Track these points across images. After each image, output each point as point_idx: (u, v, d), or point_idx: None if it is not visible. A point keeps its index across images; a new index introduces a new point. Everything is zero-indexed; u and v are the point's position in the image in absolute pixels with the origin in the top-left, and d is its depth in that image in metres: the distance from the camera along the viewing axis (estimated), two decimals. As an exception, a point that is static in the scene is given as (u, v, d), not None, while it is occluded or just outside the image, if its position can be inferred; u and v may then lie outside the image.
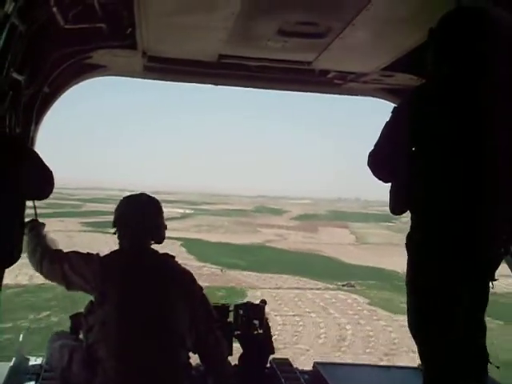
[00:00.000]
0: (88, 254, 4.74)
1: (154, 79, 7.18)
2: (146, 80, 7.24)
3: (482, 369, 4.10)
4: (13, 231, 4.36)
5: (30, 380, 5.73)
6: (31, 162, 4.44)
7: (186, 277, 4.76)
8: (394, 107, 4.15)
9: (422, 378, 4.11)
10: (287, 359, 6.69)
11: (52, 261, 4.74)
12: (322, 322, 52.49)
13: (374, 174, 4.12)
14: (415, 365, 6.28)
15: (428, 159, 3.91)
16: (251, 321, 6.29)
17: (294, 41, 5.58)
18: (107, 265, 4.59)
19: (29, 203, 4.88)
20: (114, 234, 4.82)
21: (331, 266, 78.16)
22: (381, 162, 4.10)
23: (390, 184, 4.13)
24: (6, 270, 5.07)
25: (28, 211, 4.91)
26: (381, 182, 4.16)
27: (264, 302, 6.52)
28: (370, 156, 4.11)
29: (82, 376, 4.40)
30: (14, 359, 5.98)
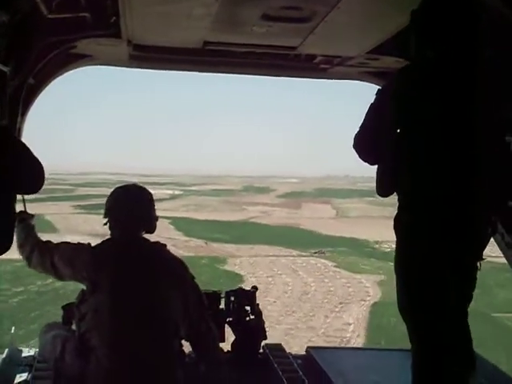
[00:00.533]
0: (78, 243, 4.73)
1: (140, 68, 7.14)
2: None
3: (469, 347, 4.14)
4: (3, 222, 4.36)
5: (23, 371, 5.72)
6: (22, 155, 4.43)
7: (178, 265, 4.75)
8: (378, 89, 4.16)
9: (412, 361, 4.14)
10: (280, 344, 6.71)
11: (42, 252, 4.73)
12: (291, 281, 61.36)
13: (359, 157, 4.13)
14: (408, 348, 6.33)
15: (413, 141, 3.92)
16: (243, 307, 6.30)
17: (278, 25, 5.55)
18: (98, 254, 4.58)
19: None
20: (105, 224, 4.80)
21: (308, 237, 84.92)
22: (366, 144, 4.11)
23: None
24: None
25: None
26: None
27: (255, 288, 6.53)
28: (355, 138, 4.12)
29: (75, 365, 4.40)
30: (6, 350, 5.98)
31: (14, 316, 43.58)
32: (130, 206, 4.74)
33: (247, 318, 6.29)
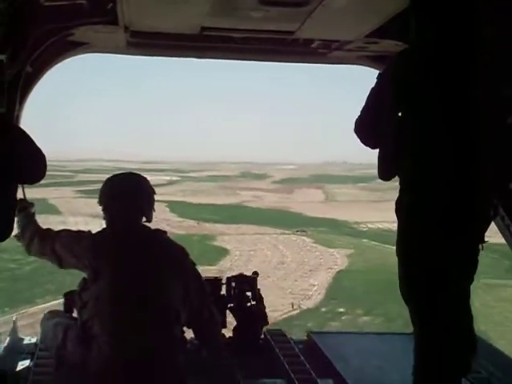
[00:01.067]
0: (79, 231, 4.73)
1: (138, 55, 7.09)
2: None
3: (471, 329, 4.15)
4: (4, 211, 4.37)
5: (25, 359, 5.74)
6: (22, 143, 4.43)
7: (179, 252, 4.76)
8: (379, 73, 4.14)
9: (414, 344, 4.15)
10: (281, 330, 6.73)
11: (42, 240, 4.74)
12: (270, 254, 67.08)
13: (361, 141, 4.12)
14: (410, 331, 6.33)
15: (414, 124, 3.91)
16: (244, 293, 6.32)
17: (276, 10, 5.51)
18: (99, 241, 4.59)
19: None
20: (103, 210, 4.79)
21: (294, 218, 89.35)
22: (367, 128, 4.10)
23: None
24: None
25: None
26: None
27: (256, 273, 6.56)
28: (356, 123, 4.11)
29: (77, 353, 4.41)
30: (8, 339, 5.99)
31: (29, 279, 49.89)
32: (133, 191, 4.75)
33: (248, 304, 6.31)
